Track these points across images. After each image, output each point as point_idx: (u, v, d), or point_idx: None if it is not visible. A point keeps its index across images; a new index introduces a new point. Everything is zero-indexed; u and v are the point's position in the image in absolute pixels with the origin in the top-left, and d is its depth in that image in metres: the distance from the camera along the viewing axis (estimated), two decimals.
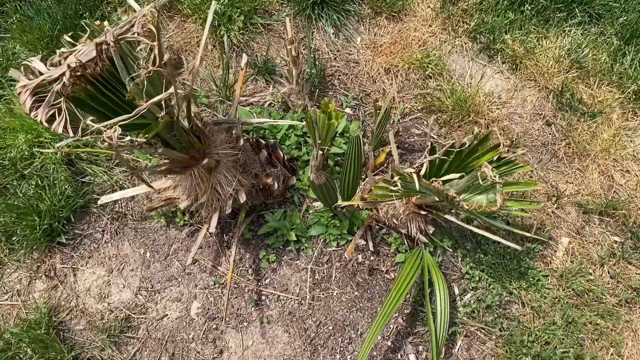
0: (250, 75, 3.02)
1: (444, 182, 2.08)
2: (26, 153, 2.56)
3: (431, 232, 2.44)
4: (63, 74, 1.61)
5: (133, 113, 1.64)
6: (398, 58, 3.13)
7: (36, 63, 1.64)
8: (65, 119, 1.62)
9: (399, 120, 2.96)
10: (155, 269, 2.50)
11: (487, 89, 3.10)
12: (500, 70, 3.21)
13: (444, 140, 2.92)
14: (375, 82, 3.09)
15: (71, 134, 1.62)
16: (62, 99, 1.62)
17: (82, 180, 2.61)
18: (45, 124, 1.59)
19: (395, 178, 2.03)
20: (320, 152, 2.39)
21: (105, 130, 1.62)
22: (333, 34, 3.22)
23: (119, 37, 1.65)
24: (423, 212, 2.25)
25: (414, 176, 1.89)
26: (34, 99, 1.62)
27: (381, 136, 2.57)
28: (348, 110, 2.95)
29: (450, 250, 2.62)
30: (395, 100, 3.03)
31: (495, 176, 1.81)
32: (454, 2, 3.29)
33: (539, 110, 3.10)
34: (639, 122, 3.10)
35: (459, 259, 2.63)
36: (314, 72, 2.93)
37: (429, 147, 1.98)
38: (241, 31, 3.06)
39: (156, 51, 1.66)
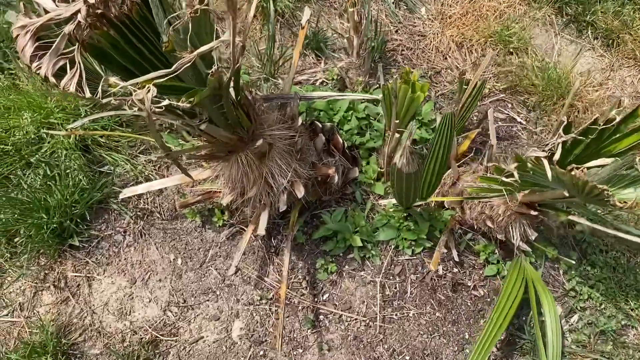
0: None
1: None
2: (33, 136, 2.11)
3: (533, 238, 1.94)
4: (78, 11, 1.14)
5: (174, 67, 1.18)
6: (472, 31, 2.63)
7: None
8: (80, 73, 1.15)
9: (477, 103, 2.46)
10: (189, 280, 2.03)
11: (579, 68, 2.59)
12: (592, 46, 2.70)
13: (534, 127, 2.42)
14: (447, 57, 2.59)
15: (87, 94, 1.15)
16: (76, 46, 1.15)
17: (100, 170, 2.14)
18: (52, 80, 1.13)
19: (511, 166, 1.53)
20: (398, 134, 1.91)
21: (135, 91, 1.16)
22: (393, 2, 2.73)
23: None
24: (533, 213, 1.75)
25: (545, 163, 1.40)
26: (36, 44, 1.15)
27: (466, 120, 2.08)
28: None
29: (550, 260, 2.12)
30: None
31: None
32: None
33: None
34: None
35: (561, 271, 2.12)
36: (376, 44, 2.44)
37: (564, 123, 1.48)
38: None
39: None
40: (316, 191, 2.09)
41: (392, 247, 2.08)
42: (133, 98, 1.14)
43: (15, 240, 2.01)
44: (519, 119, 2.42)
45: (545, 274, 2.10)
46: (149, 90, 1.14)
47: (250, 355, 1.91)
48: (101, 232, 2.08)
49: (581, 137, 1.48)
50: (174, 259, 2.05)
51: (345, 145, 2.15)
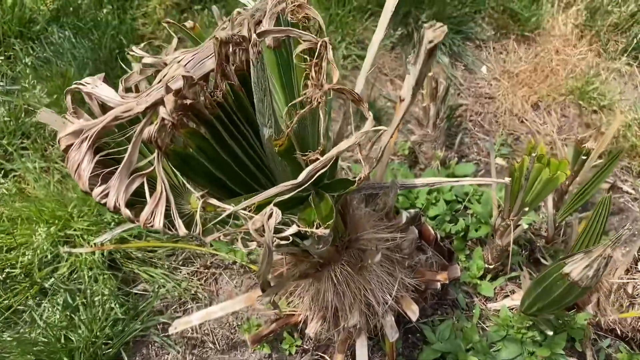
0: (351, 126, 2.17)
1: None
2: (48, 255, 1.66)
3: None
4: (159, 102, 0.74)
5: (303, 176, 0.78)
6: (546, 88, 2.30)
7: (97, 85, 0.79)
8: (167, 199, 0.74)
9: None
10: None
11: None
12: None
13: None
14: (523, 121, 2.24)
15: (182, 230, 0.74)
16: (157, 156, 0.75)
17: (134, 291, 1.69)
18: (126, 213, 0.71)
19: None
20: (511, 222, 1.50)
21: (247, 217, 0.76)
22: (450, 63, 2.40)
23: (262, 31, 0.81)
24: None
25: None
26: (95, 158, 0.75)
27: (590, 197, 1.69)
28: (499, 160, 2.09)
29: None
30: (557, 144, 2.16)
31: None
32: (602, 13, 2.50)
33: None
34: None
35: None
36: (448, 110, 2.08)
37: None
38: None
39: (327, 55, 0.84)
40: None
41: None
42: (249, 228, 0.74)
43: None
44: (625, 188, 2.04)
45: None
46: (271, 215, 0.74)
47: None
48: None
49: None
50: None
51: (438, 236, 1.74)
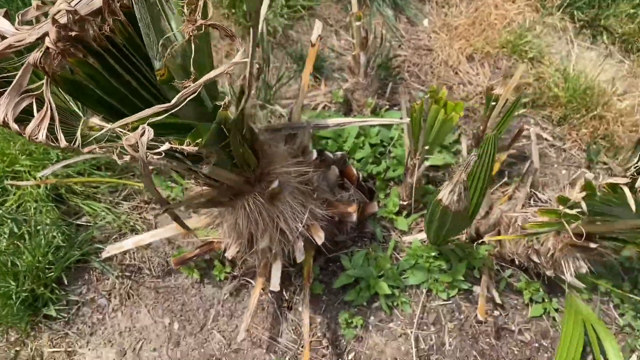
0: (291, 73, 2.29)
1: None
2: None
3: (584, 271, 1.69)
4: (45, 34, 0.86)
5: (176, 99, 0.92)
6: (481, 41, 2.41)
7: None
8: (51, 116, 0.87)
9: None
10: (188, 347, 1.72)
11: (605, 76, 2.38)
12: (609, 52, 2.51)
13: (562, 143, 2.19)
14: (457, 72, 2.36)
15: (62, 143, 0.87)
16: (45, 80, 0.87)
17: (77, 223, 1.83)
18: (14, 126, 0.84)
19: (578, 195, 1.28)
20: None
21: (124, 134, 0.89)
22: (393, 16, 2.50)
23: None
24: (592, 246, 1.50)
25: (627, 191, 1.16)
26: None
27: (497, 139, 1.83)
28: None
29: (596, 293, 1.87)
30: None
31: None
32: None
33: None
34: None
35: (611, 305, 1.87)
36: (381, 60, 2.20)
37: None
38: (278, 16, 2.34)
39: None
40: (330, 231, 1.81)
41: (424, 291, 1.80)
42: (124, 144, 0.86)
43: None
44: (545, 135, 2.19)
45: (593, 309, 1.85)
46: (143, 133, 0.87)
47: None
48: (82, 297, 1.76)
49: None
50: (169, 323, 1.74)
51: (360, 176, 1.88)
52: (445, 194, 1.26)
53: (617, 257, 1.91)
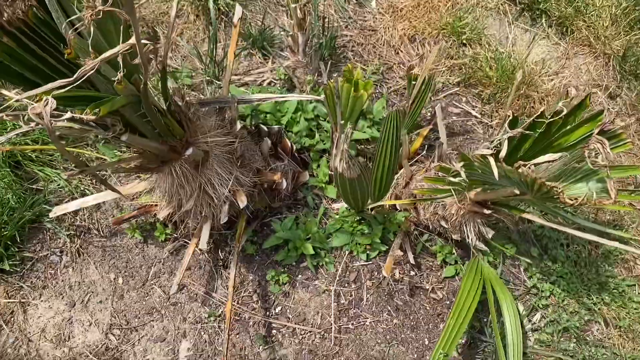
0: (243, 49, 2.43)
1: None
2: None
3: (490, 236, 1.87)
4: None
5: (76, 75, 1.06)
6: (424, 23, 2.55)
7: None
8: None
9: (430, 98, 2.39)
10: (131, 300, 1.90)
11: (533, 57, 2.53)
12: (547, 34, 2.65)
13: (489, 120, 2.34)
14: (398, 52, 2.51)
15: None
16: None
17: (32, 187, 2.00)
18: None
19: (458, 165, 1.45)
20: (344, 134, 1.81)
21: (31, 104, 1.05)
22: None
23: None
24: (486, 211, 1.67)
25: (491, 160, 1.32)
26: None
27: (417, 116, 1.99)
28: None
29: (510, 258, 2.05)
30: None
31: (609, 157, 1.24)
32: None
33: (598, 80, 2.53)
34: None
35: (522, 268, 2.06)
36: (324, 40, 2.34)
37: (510, 118, 1.40)
38: None
39: None
40: (264, 198, 1.98)
41: (347, 253, 1.99)
42: (29, 112, 1.02)
43: None
44: (474, 113, 2.35)
45: (505, 272, 2.03)
46: (47, 103, 1.03)
47: None
48: (35, 254, 1.94)
49: (528, 132, 1.40)
50: (114, 279, 1.93)
51: (294, 148, 2.05)
52: (337, 162, 1.43)
53: (529, 226, 2.09)
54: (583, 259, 2.06)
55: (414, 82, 1.93)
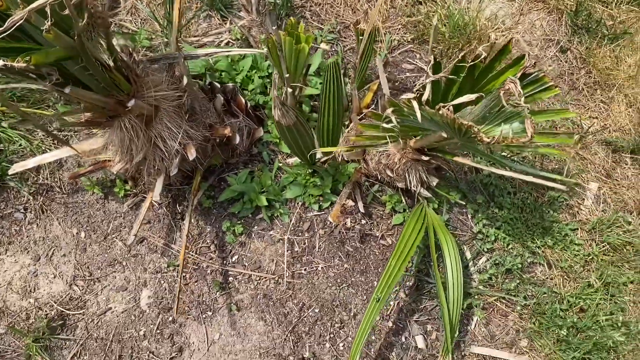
0: (202, 11, 2.47)
1: (455, 108, 1.58)
2: None
3: (434, 184, 1.96)
4: None
5: (4, 26, 1.12)
6: None
7: None
8: None
9: (386, 55, 2.45)
10: (93, 252, 1.99)
11: (488, 13, 2.59)
12: None
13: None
14: (355, 11, 2.55)
15: None
16: None
17: None
18: None
19: (388, 111, 1.52)
20: (290, 89, 1.88)
21: None
22: None
23: None
24: (425, 158, 1.76)
25: (414, 103, 1.40)
26: None
27: (366, 71, 2.06)
28: (324, 45, 2.42)
29: (458, 205, 2.15)
30: (381, 32, 2.50)
31: (521, 96, 1.32)
32: None
33: (551, 35, 2.59)
34: None
35: (469, 215, 2.15)
36: (281, 0, 2.39)
37: (432, 62, 1.48)
38: None
39: None
40: (218, 154, 2.05)
41: (300, 204, 2.07)
42: None
43: None
44: (427, 69, 2.40)
45: (453, 219, 2.13)
46: None
47: (160, 322, 1.90)
48: (0, 212, 2.01)
49: (451, 76, 1.47)
50: (77, 233, 2.01)
51: (249, 105, 2.11)
52: (274, 111, 1.50)
53: (478, 175, 2.17)
54: (528, 205, 2.16)
55: (361, 38, 1.99)
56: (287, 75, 1.83)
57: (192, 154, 1.77)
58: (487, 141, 1.37)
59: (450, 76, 1.46)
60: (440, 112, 1.37)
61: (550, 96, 1.72)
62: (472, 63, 1.46)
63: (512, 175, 1.54)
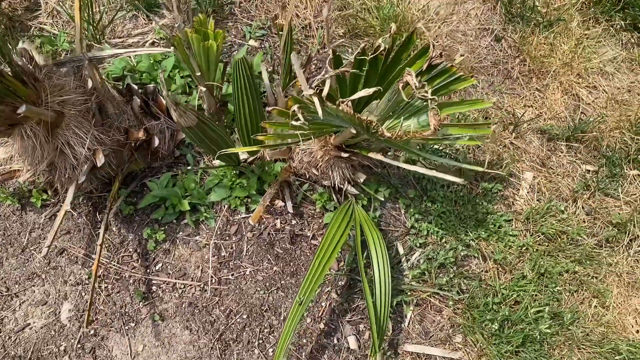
0: (127, 11, 2.39)
1: (359, 105, 1.54)
2: None
3: (362, 180, 1.91)
4: None
5: None
6: None
7: None
8: None
9: (318, 51, 2.40)
10: (10, 267, 1.91)
11: (421, 4, 2.55)
12: None
13: None
14: (286, 7, 2.49)
15: None
16: None
17: None
18: None
19: (294, 107, 1.47)
20: (204, 88, 1.82)
21: None
22: None
23: None
24: (345, 155, 1.71)
25: (315, 99, 1.34)
26: None
27: (291, 67, 2.00)
28: (252, 42, 2.36)
29: (391, 201, 2.11)
30: (313, 27, 2.45)
31: (423, 88, 1.27)
32: None
33: (486, 24, 2.57)
34: (602, 29, 2.61)
35: (402, 211, 2.11)
36: None
37: (331, 57, 1.43)
38: None
39: None
40: (138, 159, 1.98)
41: (226, 207, 2.01)
42: None
43: None
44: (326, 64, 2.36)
45: (386, 215, 2.09)
46: None
47: (81, 336, 1.83)
48: None
49: (355, 70, 1.43)
50: None
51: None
52: (172, 112, 1.43)
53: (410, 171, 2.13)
54: (462, 197, 2.12)
55: (281, 33, 1.93)
56: (199, 73, 1.77)
57: (100, 160, 1.70)
58: (388, 136, 1.33)
59: (353, 70, 1.41)
60: (340, 107, 1.32)
61: (466, 86, 1.69)
62: (372, 56, 1.41)
63: (413, 169, 1.50)
